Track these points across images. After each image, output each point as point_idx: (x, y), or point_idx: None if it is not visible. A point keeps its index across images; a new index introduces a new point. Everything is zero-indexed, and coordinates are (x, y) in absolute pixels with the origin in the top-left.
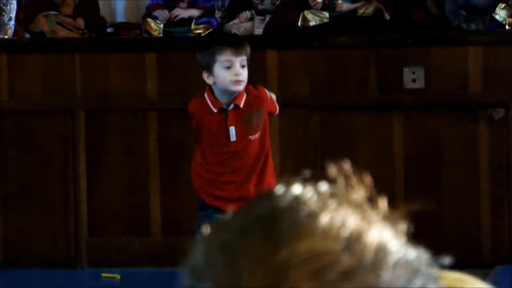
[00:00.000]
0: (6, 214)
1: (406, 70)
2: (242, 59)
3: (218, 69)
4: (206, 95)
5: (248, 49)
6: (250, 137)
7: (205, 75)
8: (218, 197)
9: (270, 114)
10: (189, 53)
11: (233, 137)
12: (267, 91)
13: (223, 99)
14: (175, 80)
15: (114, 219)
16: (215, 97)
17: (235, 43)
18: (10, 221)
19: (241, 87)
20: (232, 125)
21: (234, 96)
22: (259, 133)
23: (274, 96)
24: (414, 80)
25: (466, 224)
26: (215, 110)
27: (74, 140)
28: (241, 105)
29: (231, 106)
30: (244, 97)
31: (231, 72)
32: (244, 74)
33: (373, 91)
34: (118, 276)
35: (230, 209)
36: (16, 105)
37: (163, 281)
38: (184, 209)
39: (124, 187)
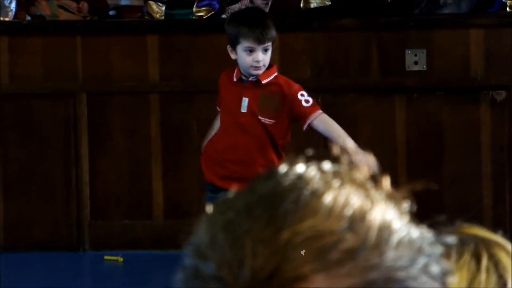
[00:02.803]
0: (7, 198)
1: (408, 52)
2: (265, 46)
3: (240, 50)
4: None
5: (273, 34)
6: (260, 117)
7: (229, 49)
8: (222, 176)
9: (305, 117)
10: (191, 36)
11: (243, 108)
12: (302, 93)
13: (245, 73)
14: (176, 62)
15: (116, 202)
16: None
17: (259, 31)
18: (11, 205)
19: (260, 72)
20: (246, 97)
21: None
22: (275, 121)
23: (309, 101)
24: (416, 63)
25: (468, 207)
26: (234, 79)
27: (76, 123)
28: (263, 82)
29: (252, 78)
30: (269, 79)
31: (251, 57)
32: (265, 59)
33: (375, 73)
34: (121, 259)
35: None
36: (17, 88)
37: (165, 264)
38: (187, 192)
39: (126, 170)
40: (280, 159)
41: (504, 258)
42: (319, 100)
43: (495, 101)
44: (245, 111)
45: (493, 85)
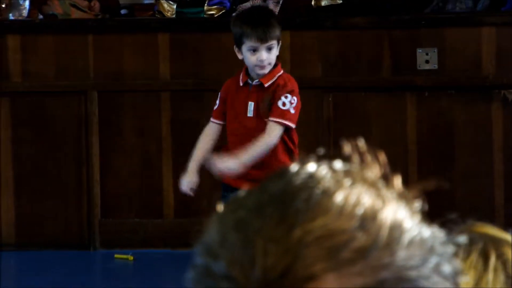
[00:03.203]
0: (19, 196)
1: (419, 51)
2: (269, 44)
3: (244, 50)
4: (243, 71)
5: (277, 32)
6: (265, 119)
7: (235, 49)
8: (238, 177)
9: (270, 114)
10: (202, 34)
11: (250, 113)
12: (287, 96)
13: (252, 74)
14: (187, 61)
15: (127, 201)
16: (246, 71)
17: (261, 30)
18: (23, 203)
19: (265, 71)
20: (251, 101)
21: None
22: None
23: (286, 105)
24: (427, 61)
25: (479, 206)
26: (241, 84)
27: (87, 121)
28: (266, 85)
29: (255, 81)
30: (272, 80)
31: (255, 57)
32: (270, 58)
33: (386, 72)
34: (131, 257)
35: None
36: (29, 86)
37: (175, 262)
38: (197, 191)
39: (137, 168)
40: (293, 160)
41: None
42: (330, 99)
43: (506, 99)
44: (251, 115)
45: (505, 83)
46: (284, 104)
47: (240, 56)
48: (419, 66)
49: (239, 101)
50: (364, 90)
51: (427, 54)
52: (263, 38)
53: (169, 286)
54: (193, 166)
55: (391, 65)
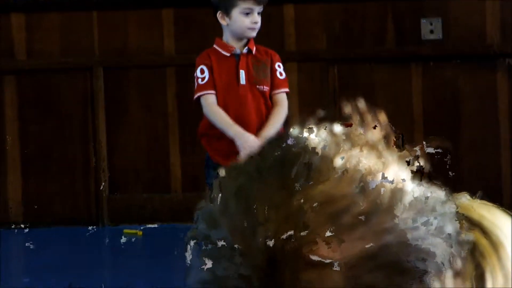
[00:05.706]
0: (26, 173)
1: (423, 21)
2: (261, 7)
3: (236, 13)
4: (215, 45)
5: None
6: (258, 86)
7: (219, 15)
8: (227, 153)
9: (275, 87)
10: (206, 9)
11: (242, 80)
12: (279, 64)
13: (233, 43)
14: (192, 36)
15: (135, 176)
16: (225, 42)
17: None
18: (31, 180)
19: (254, 34)
20: (242, 69)
21: (245, 41)
22: (268, 87)
23: (283, 74)
24: (432, 31)
25: (486, 175)
26: (227, 54)
27: (93, 98)
28: (253, 51)
29: (244, 50)
30: (255, 47)
31: (249, 19)
32: (259, 21)
33: (390, 43)
34: (140, 232)
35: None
36: (34, 64)
37: (184, 236)
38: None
39: (144, 144)
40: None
41: (483, 243)
42: (335, 71)
43: (511, 68)
44: (244, 83)
45: (510, 52)
46: (281, 74)
47: (225, 22)
48: (424, 37)
49: (227, 72)
50: (369, 62)
51: (431, 24)
52: (260, 0)
53: (177, 261)
54: (239, 128)
55: (395, 36)
